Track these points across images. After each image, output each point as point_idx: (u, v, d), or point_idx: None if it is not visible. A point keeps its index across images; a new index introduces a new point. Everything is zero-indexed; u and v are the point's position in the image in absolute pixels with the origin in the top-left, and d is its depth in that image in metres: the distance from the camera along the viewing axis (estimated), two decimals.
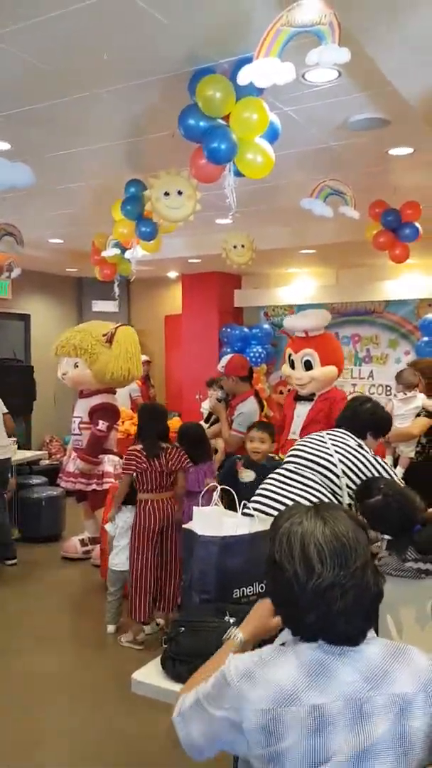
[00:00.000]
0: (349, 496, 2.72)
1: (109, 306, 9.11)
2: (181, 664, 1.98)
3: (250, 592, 2.18)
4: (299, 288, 8.29)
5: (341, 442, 2.84)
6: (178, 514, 4.04)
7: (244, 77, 2.16)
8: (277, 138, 2.98)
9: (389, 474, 2.76)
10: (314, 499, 2.67)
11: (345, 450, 2.80)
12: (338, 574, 1.27)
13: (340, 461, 2.77)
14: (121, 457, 4.38)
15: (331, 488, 2.71)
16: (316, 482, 2.73)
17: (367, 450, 2.82)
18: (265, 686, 1.28)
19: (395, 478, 2.74)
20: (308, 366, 4.85)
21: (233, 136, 2.78)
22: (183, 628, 2.04)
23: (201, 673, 1.51)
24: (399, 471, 4.39)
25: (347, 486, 2.73)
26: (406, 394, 4.69)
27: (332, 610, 1.27)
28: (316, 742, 1.25)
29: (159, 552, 3.98)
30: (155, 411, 4.27)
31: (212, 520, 2.23)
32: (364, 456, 2.78)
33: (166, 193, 3.63)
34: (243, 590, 2.17)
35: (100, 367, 5.30)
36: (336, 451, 2.79)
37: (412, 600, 2.10)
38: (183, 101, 2.99)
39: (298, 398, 4.90)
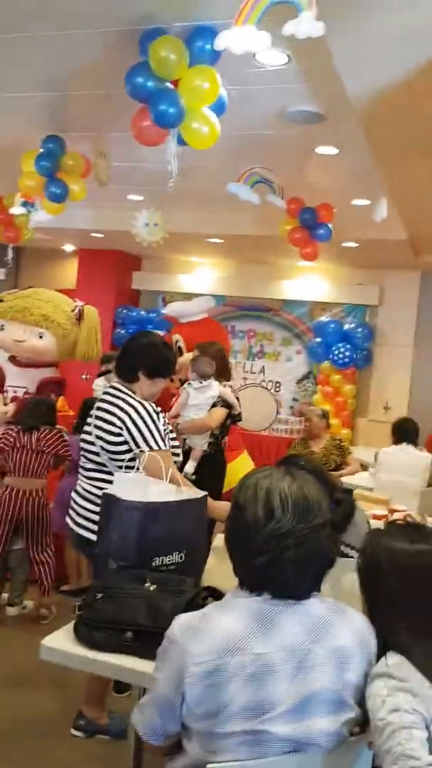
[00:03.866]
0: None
1: None
2: (97, 631, 1.91)
3: (169, 561, 2.14)
4: (200, 277, 8.32)
5: (99, 407, 2.69)
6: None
7: (221, 43, 2.11)
8: (223, 113, 2.96)
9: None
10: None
11: (100, 416, 2.65)
12: (297, 525, 1.31)
13: (96, 432, 2.65)
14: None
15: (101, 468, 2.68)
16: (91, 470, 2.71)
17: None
18: (209, 638, 1.29)
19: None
20: (180, 351, 4.88)
21: (181, 101, 2.72)
22: (100, 594, 1.97)
23: None
24: (191, 464, 4.15)
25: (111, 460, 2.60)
26: (201, 383, 4.36)
27: (284, 557, 1.30)
28: (258, 693, 1.27)
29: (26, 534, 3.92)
30: (40, 401, 4.33)
31: (136, 486, 2.17)
32: (115, 410, 2.61)
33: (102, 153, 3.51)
34: (163, 559, 2.12)
35: (68, 344, 5.05)
36: (94, 425, 2.66)
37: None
38: (124, 61, 2.89)
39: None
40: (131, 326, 8.00)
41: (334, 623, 1.36)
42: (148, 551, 2.09)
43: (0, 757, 2.75)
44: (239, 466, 5.03)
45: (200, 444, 4.21)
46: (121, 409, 2.54)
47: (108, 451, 2.55)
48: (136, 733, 2.23)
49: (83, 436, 2.68)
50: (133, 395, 2.61)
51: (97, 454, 2.60)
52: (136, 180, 5.50)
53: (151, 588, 1.97)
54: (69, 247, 8.61)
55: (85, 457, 2.67)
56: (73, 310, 5.21)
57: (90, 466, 2.66)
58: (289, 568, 1.31)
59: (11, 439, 3.92)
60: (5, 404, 4.80)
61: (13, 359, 5.31)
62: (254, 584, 1.35)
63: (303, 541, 1.31)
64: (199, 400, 4.21)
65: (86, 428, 2.67)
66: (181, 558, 2.15)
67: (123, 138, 3.64)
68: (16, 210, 4.90)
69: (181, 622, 1.36)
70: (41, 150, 3.99)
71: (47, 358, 5.21)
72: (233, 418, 4.30)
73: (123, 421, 2.52)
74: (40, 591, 4.00)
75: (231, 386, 4.38)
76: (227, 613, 1.34)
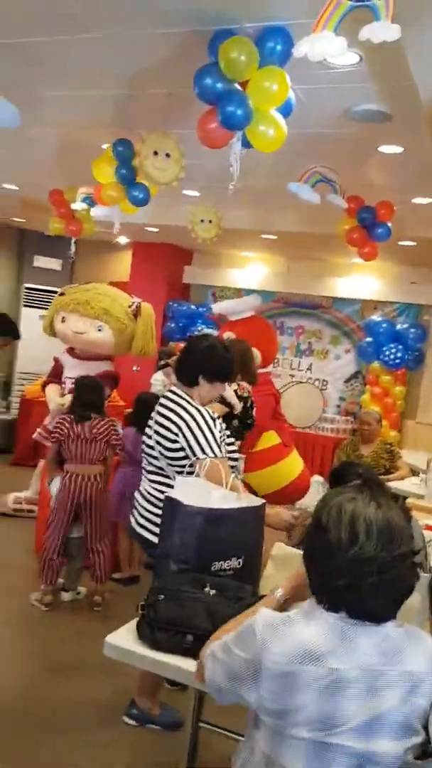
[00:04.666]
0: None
1: (52, 263, 8.81)
2: (159, 632, 1.94)
3: (227, 566, 2.15)
4: (250, 272, 8.29)
5: (159, 412, 2.72)
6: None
7: (300, 50, 2.09)
8: (289, 114, 2.93)
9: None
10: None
11: (159, 422, 2.69)
12: (380, 552, 1.31)
13: (156, 433, 2.70)
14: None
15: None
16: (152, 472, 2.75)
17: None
18: (288, 641, 1.33)
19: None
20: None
21: (250, 103, 2.71)
22: (162, 596, 2.00)
23: (231, 624, 1.56)
24: None
25: (169, 465, 2.66)
26: None
27: (364, 583, 1.31)
28: (329, 706, 1.29)
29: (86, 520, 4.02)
30: (88, 382, 4.33)
31: (198, 491, 2.18)
32: (173, 417, 2.64)
33: (155, 153, 3.52)
34: (222, 564, 2.14)
35: (125, 339, 5.13)
36: (155, 430, 2.70)
37: None
38: (191, 61, 2.88)
39: None
40: (181, 320, 8.05)
41: (407, 648, 1.36)
42: (207, 556, 2.11)
43: (50, 740, 2.83)
44: (291, 465, 5.03)
45: None
46: (179, 416, 2.56)
47: (166, 457, 2.58)
48: (192, 726, 2.29)
49: (144, 438, 2.71)
50: (190, 400, 2.62)
51: (156, 458, 2.63)
52: (193, 176, 5.50)
53: (211, 593, 1.99)
54: (123, 240, 8.68)
55: (147, 460, 2.71)
56: (130, 306, 5.29)
57: (151, 468, 2.69)
58: (368, 594, 1.32)
59: (65, 430, 4.02)
60: (62, 395, 4.90)
61: (71, 351, 5.41)
62: (332, 603, 1.36)
63: (385, 570, 1.31)
64: None
65: (147, 431, 2.69)
66: (238, 564, 2.17)
67: (182, 135, 3.66)
68: (78, 205, 4.97)
69: (267, 618, 1.40)
70: (113, 156, 4.01)
71: (104, 351, 5.29)
72: (245, 424, 4.06)
73: (180, 428, 2.54)
74: (95, 579, 4.10)
75: (246, 387, 4.15)
76: (310, 623, 1.36)
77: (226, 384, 2.85)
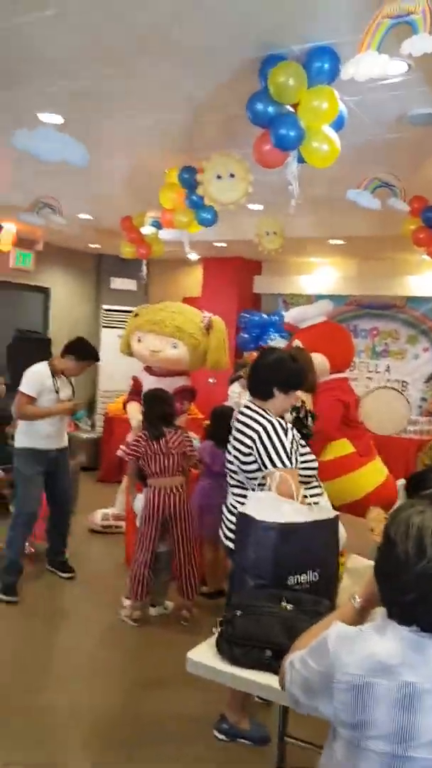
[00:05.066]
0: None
1: (127, 284, 9.09)
2: (237, 647, 2.00)
3: (304, 579, 2.19)
4: (320, 278, 8.27)
5: (236, 426, 2.82)
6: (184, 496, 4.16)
7: (347, 72, 2.16)
8: (342, 128, 2.97)
9: None
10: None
11: (237, 437, 2.79)
12: None
13: (234, 448, 2.80)
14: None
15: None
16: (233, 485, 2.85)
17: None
18: (361, 654, 1.35)
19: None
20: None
21: (301, 123, 2.76)
22: (239, 612, 2.06)
23: (309, 634, 1.58)
24: None
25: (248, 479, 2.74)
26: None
27: None
28: (405, 719, 1.30)
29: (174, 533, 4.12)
30: (155, 395, 4.42)
31: (270, 505, 2.24)
32: (248, 431, 2.74)
33: (219, 177, 3.62)
34: (298, 577, 2.19)
35: (199, 354, 5.30)
36: (233, 445, 2.81)
37: None
38: (246, 85, 2.97)
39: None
40: (254, 330, 8.11)
41: None
42: (283, 570, 2.17)
43: (142, 753, 2.94)
44: (369, 475, 4.91)
45: None
46: (253, 429, 2.63)
47: (243, 471, 2.66)
48: (279, 740, 2.33)
49: (226, 454, 2.82)
50: (264, 413, 2.69)
51: (236, 472, 2.72)
52: (256, 190, 5.58)
53: (288, 607, 2.04)
54: (194, 257, 8.84)
55: (229, 474, 2.81)
56: (202, 321, 5.42)
57: (233, 482, 2.80)
58: None
59: (142, 447, 4.15)
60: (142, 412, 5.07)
61: (148, 369, 5.59)
62: (403, 617, 1.37)
63: None
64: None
65: (228, 446, 2.79)
66: (315, 577, 2.21)
67: (245, 154, 3.74)
68: (147, 229, 5.16)
69: (340, 630, 1.43)
70: (180, 183, 4.16)
71: (181, 367, 5.44)
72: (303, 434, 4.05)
73: (253, 441, 2.61)
74: (183, 594, 4.18)
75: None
76: (383, 636, 1.38)
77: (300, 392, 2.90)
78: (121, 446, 5.44)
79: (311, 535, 2.20)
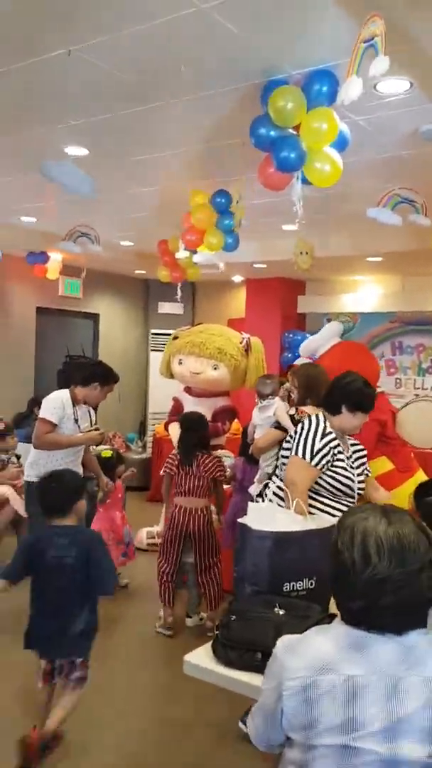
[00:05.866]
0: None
1: (174, 308, 9.31)
2: (232, 651, 2.07)
3: (300, 586, 2.24)
4: (364, 295, 8.26)
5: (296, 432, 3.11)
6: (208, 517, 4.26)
7: (342, 98, 2.29)
8: (346, 147, 3.04)
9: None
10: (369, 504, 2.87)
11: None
12: (393, 571, 1.33)
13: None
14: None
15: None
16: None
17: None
18: (304, 656, 1.39)
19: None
20: None
21: (303, 145, 2.86)
22: (234, 617, 2.13)
23: None
24: (255, 486, 4.11)
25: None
26: (260, 403, 4.30)
27: (380, 603, 1.34)
28: (350, 712, 1.34)
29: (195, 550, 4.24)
30: (192, 420, 4.49)
31: (267, 516, 2.31)
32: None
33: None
34: (293, 584, 2.24)
35: (239, 374, 5.45)
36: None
37: None
38: (255, 110, 3.09)
39: None
40: (297, 350, 8.14)
41: (429, 655, 1.38)
42: (278, 577, 2.22)
43: (168, 756, 3.01)
44: (411, 491, 4.85)
45: (264, 466, 4.06)
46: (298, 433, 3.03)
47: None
48: None
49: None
50: (318, 417, 3.07)
51: None
52: (289, 211, 5.70)
53: (280, 612, 2.10)
54: (238, 278, 9.01)
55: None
56: (241, 342, 5.53)
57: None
58: (387, 613, 1.35)
59: (174, 467, 4.27)
60: None
61: (188, 390, 5.71)
62: (353, 622, 1.40)
63: (400, 587, 1.33)
64: (259, 419, 4.24)
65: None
66: (311, 584, 2.25)
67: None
68: (182, 253, 5.32)
69: (285, 641, 1.47)
70: (213, 207, 4.30)
71: (221, 388, 5.54)
72: None
73: (293, 435, 3.03)
74: (207, 605, 4.31)
75: (307, 412, 3.89)
76: (325, 636, 1.42)
77: (363, 414, 3.09)
78: (165, 466, 5.60)
79: (306, 543, 2.25)
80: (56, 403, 4.19)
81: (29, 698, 3.15)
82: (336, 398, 3.08)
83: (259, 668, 1.98)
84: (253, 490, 4.12)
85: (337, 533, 1.44)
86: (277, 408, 4.05)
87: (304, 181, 2.98)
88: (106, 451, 5.42)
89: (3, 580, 2.84)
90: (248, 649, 2.04)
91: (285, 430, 3.81)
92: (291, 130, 2.90)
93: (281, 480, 3.13)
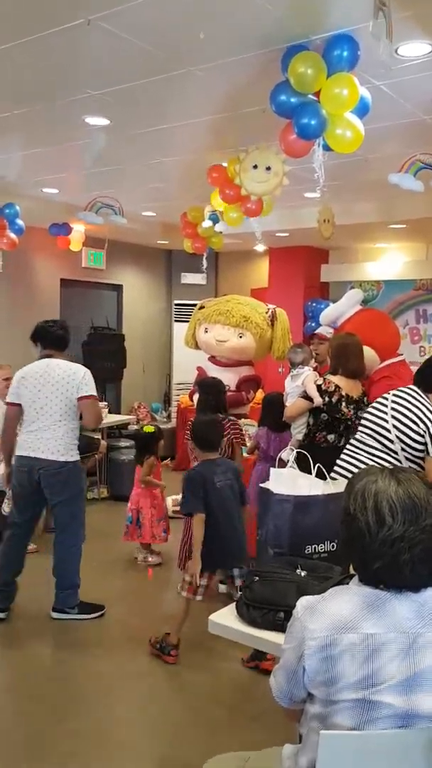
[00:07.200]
0: (407, 459, 2.96)
1: (197, 278, 9.30)
2: (255, 610, 2.14)
3: (321, 549, 2.31)
4: (387, 263, 8.18)
5: (400, 405, 3.08)
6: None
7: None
8: (368, 113, 3.01)
9: None
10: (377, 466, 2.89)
11: (401, 413, 3.05)
12: (408, 528, 1.39)
13: (394, 426, 3.03)
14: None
15: (390, 453, 3.02)
16: (378, 449, 3.09)
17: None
18: (323, 617, 1.45)
19: None
20: None
21: (323, 111, 2.84)
22: (257, 578, 2.20)
23: None
24: (286, 452, 4.10)
25: (402, 450, 2.99)
26: (293, 371, 4.33)
27: (399, 560, 1.40)
28: (369, 668, 1.40)
29: None
30: (209, 385, 4.51)
31: (288, 481, 2.36)
32: (420, 415, 3.02)
33: (255, 166, 3.73)
34: (315, 547, 2.31)
35: (264, 343, 5.53)
36: (393, 416, 3.06)
37: None
38: (274, 77, 3.07)
39: None
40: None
41: None
42: (299, 539, 2.29)
43: (188, 735, 3.14)
44: None
45: (294, 433, 4.17)
46: (427, 417, 3.03)
47: (405, 444, 3.04)
48: None
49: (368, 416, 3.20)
50: (429, 404, 3.08)
51: (392, 441, 3.06)
52: (311, 178, 5.64)
53: (302, 573, 2.16)
54: (260, 247, 8.95)
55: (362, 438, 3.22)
56: (266, 312, 5.56)
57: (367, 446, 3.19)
58: (405, 569, 1.40)
59: None
60: None
61: (212, 359, 5.78)
62: (373, 583, 1.46)
63: (415, 543, 1.38)
64: (290, 387, 4.27)
65: (374, 411, 3.20)
66: (332, 547, 2.31)
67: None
68: (206, 224, 5.33)
69: (304, 602, 1.53)
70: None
71: (247, 357, 5.61)
72: (334, 418, 3.95)
73: (427, 428, 3.01)
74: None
75: (333, 382, 4.01)
76: (343, 597, 1.48)
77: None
78: None
79: (326, 507, 2.30)
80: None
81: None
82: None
83: (281, 627, 2.05)
84: (285, 456, 4.19)
85: (347, 498, 1.49)
86: (306, 377, 4.09)
87: (326, 148, 2.97)
88: (148, 426, 5.50)
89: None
90: (271, 609, 2.11)
91: (311, 400, 3.84)
92: (312, 96, 2.89)
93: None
